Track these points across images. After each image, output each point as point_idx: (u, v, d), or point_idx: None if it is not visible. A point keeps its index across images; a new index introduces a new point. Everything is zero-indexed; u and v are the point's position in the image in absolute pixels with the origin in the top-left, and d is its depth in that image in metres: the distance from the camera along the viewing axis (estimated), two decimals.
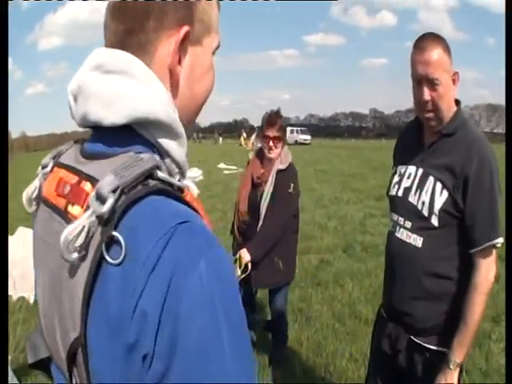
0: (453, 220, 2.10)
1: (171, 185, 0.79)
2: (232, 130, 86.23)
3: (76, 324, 0.74)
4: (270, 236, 3.84)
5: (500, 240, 2.03)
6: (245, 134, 55.34)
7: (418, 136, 2.32)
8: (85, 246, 0.72)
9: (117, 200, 0.71)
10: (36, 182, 0.98)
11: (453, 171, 2.07)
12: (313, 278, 6.31)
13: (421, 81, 2.11)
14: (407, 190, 2.25)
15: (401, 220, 2.27)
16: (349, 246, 7.81)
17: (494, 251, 2.06)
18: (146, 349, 0.68)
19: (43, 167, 0.98)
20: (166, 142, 0.84)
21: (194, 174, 1.02)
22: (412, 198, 2.21)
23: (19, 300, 5.75)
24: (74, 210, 0.79)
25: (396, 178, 2.36)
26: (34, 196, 0.97)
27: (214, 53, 0.97)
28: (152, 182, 0.76)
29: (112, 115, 0.80)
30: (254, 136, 36.30)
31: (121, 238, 0.70)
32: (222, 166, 23.48)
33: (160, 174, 0.77)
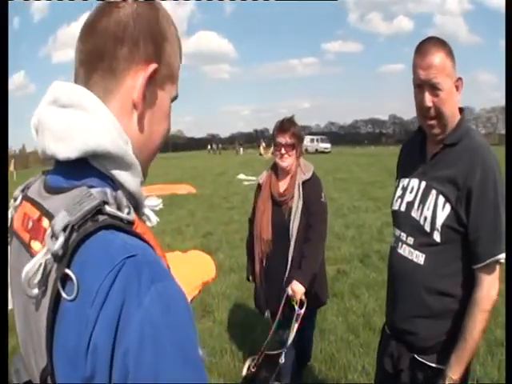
0: (456, 235, 2.03)
1: (121, 218, 0.78)
2: (253, 139, 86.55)
3: (43, 354, 0.76)
4: (316, 256, 3.58)
5: (503, 256, 1.95)
6: (264, 144, 55.49)
7: (420, 147, 2.25)
8: (44, 282, 0.75)
9: (68, 237, 0.73)
10: (9, 214, 1.00)
11: (456, 183, 2.01)
12: (329, 289, 6.26)
13: (422, 86, 2.04)
14: (410, 205, 2.19)
15: (403, 236, 2.21)
16: (365, 256, 7.74)
17: (498, 267, 1.99)
18: (101, 382, 0.69)
19: (14, 199, 1.00)
20: (119, 173, 0.85)
21: (153, 202, 1.06)
22: (415, 213, 2.15)
23: None
24: (35, 245, 0.82)
25: (399, 192, 2.30)
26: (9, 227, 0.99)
27: (173, 99, 1.01)
28: (101, 217, 0.76)
29: (65, 149, 0.82)
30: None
31: (73, 275, 0.71)
32: (241, 176, 23.40)
33: (108, 208, 0.77)
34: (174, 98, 1.01)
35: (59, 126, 0.83)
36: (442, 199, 2.03)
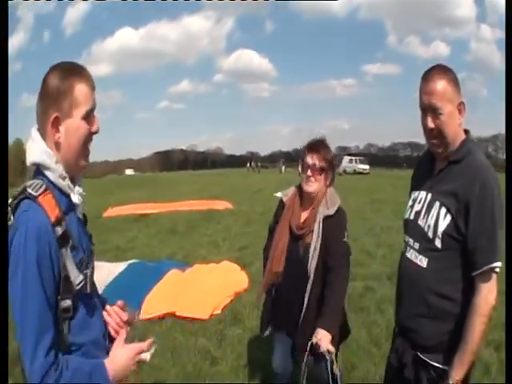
0: (455, 243, 2.27)
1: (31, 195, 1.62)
2: (292, 159, 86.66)
3: None
4: (340, 303, 3.25)
5: (499, 264, 2.17)
6: (300, 167, 55.68)
7: (430, 164, 2.52)
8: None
9: (13, 201, 1.65)
10: None
11: (456, 196, 2.25)
12: (356, 304, 6.47)
13: (425, 109, 2.31)
14: (417, 214, 2.46)
15: (411, 241, 2.48)
16: (394, 274, 7.84)
17: (495, 275, 2.19)
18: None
19: None
20: (45, 172, 1.70)
21: (78, 191, 1.81)
22: (421, 221, 2.41)
23: None
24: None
25: (410, 203, 2.58)
26: None
27: (84, 117, 1.73)
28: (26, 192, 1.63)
29: (27, 161, 1.72)
30: None
31: (12, 217, 1.63)
32: (279, 194, 23.42)
33: (28, 189, 1.63)
34: (87, 111, 1.75)
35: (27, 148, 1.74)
36: (443, 210, 2.29)
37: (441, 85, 2.26)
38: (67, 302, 1.65)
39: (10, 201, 1.66)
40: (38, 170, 1.71)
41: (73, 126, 1.72)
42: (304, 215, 3.37)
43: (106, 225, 14.58)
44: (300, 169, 3.49)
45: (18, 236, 1.55)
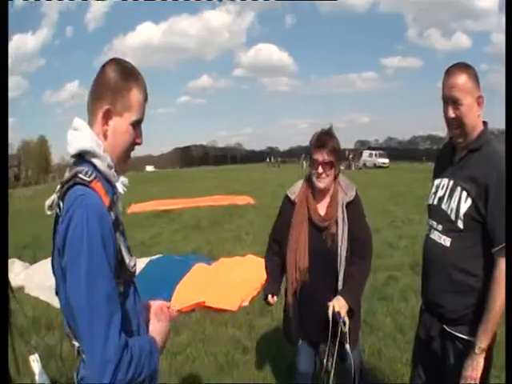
0: (475, 224, 2.46)
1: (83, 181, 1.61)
2: (304, 153, 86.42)
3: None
4: (365, 279, 3.40)
5: None
6: (308, 161, 55.52)
7: (451, 154, 2.72)
8: (54, 207, 1.68)
9: (61, 188, 1.66)
10: None
11: (476, 182, 2.44)
12: (379, 293, 6.62)
13: (447, 101, 2.52)
14: (441, 199, 2.66)
15: (434, 224, 2.68)
16: (416, 264, 7.95)
17: None
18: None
19: None
20: (93, 160, 1.69)
21: (124, 181, 1.86)
22: (444, 206, 2.61)
23: None
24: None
25: (433, 189, 2.78)
26: None
27: (133, 124, 1.79)
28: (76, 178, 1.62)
29: (71, 150, 1.71)
30: None
31: (61, 204, 1.62)
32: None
33: (80, 175, 1.61)
34: (135, 121, 1.81)
35: (69, 138, 1.73)
36: (464, 194, 2.48)
37: (462, 79, 2.46)
38: (121, 287, 1.66)
39: (57, 188, 1.67)
40: (83, 159, 1.69)
41: (121, 127, 1.77)
42: (322, 206, 3.37)
43: (129, 221, 14.47)
44: (309, 164, 3.45)
45: (78, 218, 1.51)
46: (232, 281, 7.05)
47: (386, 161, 59.68)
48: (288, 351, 4.64)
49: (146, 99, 1.84)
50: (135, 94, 1.78)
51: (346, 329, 3.07)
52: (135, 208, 19.36)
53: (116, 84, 1.74)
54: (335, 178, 3.34)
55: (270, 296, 3.39)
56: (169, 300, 6.53)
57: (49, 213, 1.70)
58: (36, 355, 3.89)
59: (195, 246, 10.96)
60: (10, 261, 8.74)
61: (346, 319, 3.07)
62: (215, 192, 23.66)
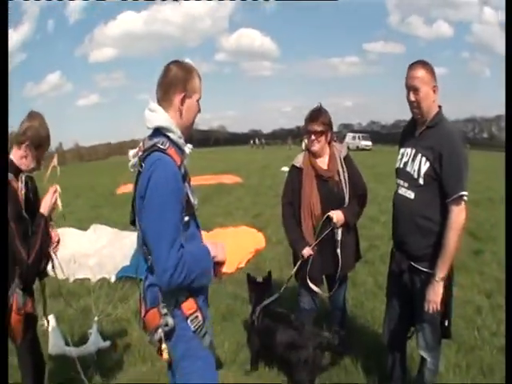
0: (433, 181, 3.23)
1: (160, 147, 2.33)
2: (295, 136, 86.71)
3: None
4: (362, 208, 4.29)
5: (465, 192, 3.12)
6: (306, 140, 56.06)
7: (412, 129, 3.51)
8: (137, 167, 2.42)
9: (143, 153, 2.37)
10: None
11: (433, 150, 3.22)
12: (363, 258, 7.30)
13: (409, 88, 3.30)
14: (405, 164, 3.43)
15: (401, 182, 3.46)
16: None
17: (463, 202, 3.15)
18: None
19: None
20: (167, 134, 2.40)
21: (189, 146, 2.54)
22: (409, 168, 3.38)
23: (99, 281, 7.02)
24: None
25: (399, 156, 3.56)
26: None
27: (197, 101, 2.52)
28: (155, 147, 2.33)
29: (149, 125, 2.42)
30: None
31: (144, 164, 2.32)
32: (285, 169, 24.11)
33: (157, 144, 2.32)
34: (198, 99, 2.54)
35: (148, 116, 2.44)
36: (424, 159, 3.26)
37: (421, 72, 3.24)
38: (186, 218, 2.37)
39: (140, 154, 2.39)
40: (159, 132, 2.40)
41: (191, 105, 2.50)
42: (324, 164, 4.23)
43: (121, 200, 15.15)
44: (306, 140, 4.32)
45: (157, 173, 2.24)
46: (229, 246, 7.55)
47: (369, 143, 60.33)
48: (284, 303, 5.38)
49: (201, 81, 2.55)
50: (196, 80, 2.51)
51: (339, 237, 4.09)
52: (125, 189, 19.67)
53: (183, 76, 2.46)
54: (329, 143, 4.26)
55: (307, 249, 4.14)
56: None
57: (132, 170, 2.47)
58: (52, 315, 4.67)
59: None
60: None
61: (340, 230, 4.08)
62: (202, 173, 24.23)
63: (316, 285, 4.24)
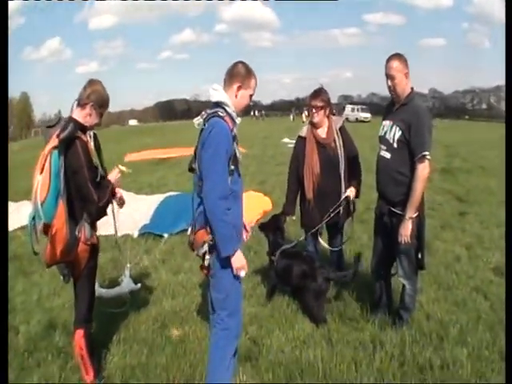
0: (404, 144, 4.16)
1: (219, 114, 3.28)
2: (294, 107, 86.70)
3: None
4: (360, 173, 5.37)
5: (427, 152, 4.01)
6: (306, 112, 56.33)
7: (391, 106, 4.44)
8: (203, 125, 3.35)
9: (205, 117, 3.32)
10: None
11: (404, 121, 4.15)
12: (359, 218, 8.06)
13: (387, 76, 4.21)
14: (385, 132, 4.36)
15: (382, 146, 4.38)
16: None
17: (426, 160, 4.05)
18: None
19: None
20: (225, 107, 3.33)
21: (239, 119, 3.46)
22: (387, 136, 4.31)
23: (123, 236, 7.70)
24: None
25: (381, 127, 4.46)
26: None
27: (250, 96, 3.50)
28: (216, 113, 3.28)
29: (214, 99, 3.36)
30: None
31: (206, 124, 3.27)
32: (285, 140, 25.04)
33: (218, 112, 3.27)
34: (251, 94, 3.49)
35: (213, 93, 3.37)
36: (398, 128, 4.20)
37: (395, 63, 4.18)
38: (232, 167, 3.22)
39: (204, 116, 3.28)
40: (218, 105, 3.29)
41: (244, 95, 3.43)
42: (323, 133, 5.26)
43: (130, 167, 15.66)
44: (306, 112, 5.57)
45: (215, 130, 3.15)
46: None
47: (368, 115, 60.53)
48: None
49: (256, 84, 3.48)
50: (252, 80, 3.46)
51: (352, 208, 5.33)
52: (131, 157, 20.41)
53: (245, 73, 3.41)
54: (328, 116, 5.27)
55: (290, 216, 5.51)
56: (189, 224, 8.06)
57: (197, 127, 3.36)
58: (128, 265, 5.69)
59: None
60: (20, 202, 10.21)
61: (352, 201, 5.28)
62: None
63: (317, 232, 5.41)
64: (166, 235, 8.06)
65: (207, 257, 3.35)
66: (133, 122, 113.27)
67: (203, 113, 3.34)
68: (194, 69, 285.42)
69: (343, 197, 5.18)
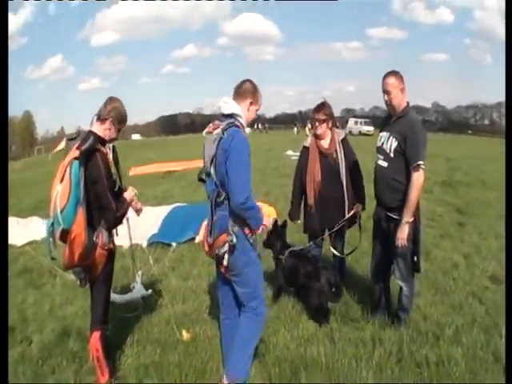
0: (399, 154, 4.48)
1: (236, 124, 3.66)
2: (298, 120, 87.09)
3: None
4: (362, 183, 5.68)
5: (421, 162, 4.34)
6: (310, 125, 56.59)
7: (388, 119, 4.76)
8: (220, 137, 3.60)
9: (225, 128, 3.60)
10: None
11: (400, 133, 4.47)
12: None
13: (384, 92, 4.54)
14: (383, 143, 4.67)
15: (380, 156, 4.69)
16: None
17: (421, 169, 4.36)
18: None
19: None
20: (238, 119, 3.71)
21: (248, 129, 4.21)
22: (384, 146, 4.62)
23: (132, 246, 7.80)
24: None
25: (379, 138, 4.78)
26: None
27: (257, 111, 3.92)
28: (234, 124, 3.66)
29: (226, 111, 3.72)
30: None
31: (225, 135, 3.54)
32: (289, 152, 25.52)
33: (234, 122, 3.64)
34: (258, 109, 3.92)
35: (225, 106, 3.73)
36: (394, 139, 4.51)
37: (392, 80, 4.51)
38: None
39: (223, 125, 3.56)
40: (231, 117, 3.64)
41: (253, 110, 3.83)
42: (326, 144, 5.62)
43: (135, 181, 15.48)
44: (310, 124, 5.84)
45: (238, 138, 3.49)
46: None
47: (371, 129, 60.47)
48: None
49: (261, 98, 3.88)
50: (259, 96, 3.87)
51: (358, 221, 5.70)
52: (136, 171, 20.65)
53: (254, 91, 3.82)
54: (330, 128, 5.63)
55: (295, 220, 5.96)
56: (197, 233, 8.44)
57: (215, 137, 3.57)
58: (140, 272, 5.98)
59: (205, 197, 12.40)
60: (28, 218, 10.51)
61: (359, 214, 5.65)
62: None
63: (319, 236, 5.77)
64: (174, 244, 8.32)
65: (226, 256, 3.66)
66: (136, 137, 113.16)
67: (216, 123, 3.68)
68: (196, 83, 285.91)
69: (351, 213, 5.57)
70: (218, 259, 3.75)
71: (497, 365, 4.06)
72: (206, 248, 3.88)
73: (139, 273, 6.03)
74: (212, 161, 3.62)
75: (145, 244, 8.28)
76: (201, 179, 3.86)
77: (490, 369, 4.04)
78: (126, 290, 5.92)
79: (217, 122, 3.70)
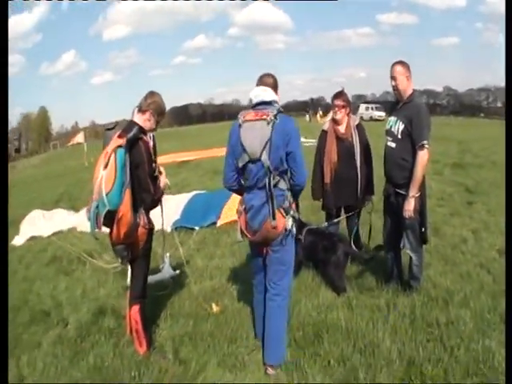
0: (406, 135, 4.87)
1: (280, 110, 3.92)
2: (309, 107, 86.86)
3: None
4: (371, 166, 6.11)
5: (426, 141, 4.73)
6: (321, 112, 56.62)
7: (396, 104, 5.13)
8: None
9: (273, 117, 3.83)
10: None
11: (406, 117, 4.85)
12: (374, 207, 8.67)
13: (391, 78, 4.91)
14: (391, 126, 5.05)
15: (388, 138, 5.10)
16: None
17: (425, 148, 4.75)
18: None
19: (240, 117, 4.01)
20: (275, 105, 3.98)
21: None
22: (393, 129, 5.01)
23: (157, 231, 7.93)
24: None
25: (388, 121, 5.17)
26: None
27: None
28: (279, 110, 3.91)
29: (267, 98, 3.97)
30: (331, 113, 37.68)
31: (277, 120, 3.81)
32: (302, 139, 25.29)
33: (281, 109, 3.92)
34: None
35: (263, 94, 3.97)
36: (401, 122, 4.90)
37: (399, 68, 4.91)
38: None
39: (272, 111, 3.77)
40: (270, 104, 3.89)
41: (278, 97, 4.03)
42: (342, 128, 6.04)
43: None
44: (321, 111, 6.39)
45: (292, 123, 3.87)
46: None
47: (383, 114, 59.91)
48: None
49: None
50: (278, 86, 4.15)
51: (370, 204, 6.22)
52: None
53: (275, 82, 4.08)
54: (348, 114, 6.05)
55: (316, 199, 6.34)
56: (218, 217, 8.97)
57: (269, 123, 3.76)
58: (168, 254, 6.41)
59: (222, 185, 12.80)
60: (53, 211, 11.02)
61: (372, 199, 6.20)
62: (222, 145, 25.29)
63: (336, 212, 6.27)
64: (197, 228, 8.81)
65: (292, 230, 4.02)
66: None
67: (258, 110, 3.86)
68: (207, 73, 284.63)
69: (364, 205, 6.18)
70: (269, 239, 3.97)
71: (503, 325, 4.32)
72: (248, 233, 4.07)
73: (167, 254, 6.42)
74: (264, 146, 3.78)
75: (169, 229, 8.61)
76: (238, 166, 3.97)
77: (497, 329, 4.37)
78: (156, 271, 6.26)
79: (259, 110, 3.86)
